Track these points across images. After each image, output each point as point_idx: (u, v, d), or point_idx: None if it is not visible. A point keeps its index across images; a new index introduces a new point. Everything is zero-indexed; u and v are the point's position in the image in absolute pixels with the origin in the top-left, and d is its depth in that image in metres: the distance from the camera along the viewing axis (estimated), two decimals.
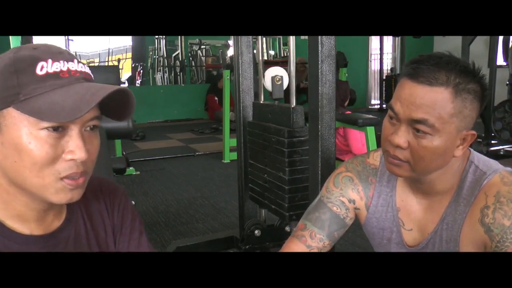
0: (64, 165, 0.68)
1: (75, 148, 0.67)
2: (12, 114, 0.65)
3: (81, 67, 0.70)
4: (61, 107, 0.64)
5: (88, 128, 0.70)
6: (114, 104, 0.71)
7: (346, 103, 3.60)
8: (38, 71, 0.65)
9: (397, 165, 0.89)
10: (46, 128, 0.65)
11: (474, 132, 0.87)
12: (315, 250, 1.02)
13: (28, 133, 0.65)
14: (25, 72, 0.65)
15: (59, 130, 0.67)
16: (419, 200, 0.99)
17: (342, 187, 1.05)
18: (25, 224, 0.73)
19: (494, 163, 0.93)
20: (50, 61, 0.66)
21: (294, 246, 1.03)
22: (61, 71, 0.67)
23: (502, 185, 0.88)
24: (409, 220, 1.00)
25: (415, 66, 0.84)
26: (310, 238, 1.02)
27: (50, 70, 0.66)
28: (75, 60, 0.69)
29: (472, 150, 0.96)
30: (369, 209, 1.04)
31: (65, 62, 0.68)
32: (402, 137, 0.85)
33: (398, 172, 0.91)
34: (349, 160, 1.10)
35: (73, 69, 0.68)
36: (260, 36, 2.43)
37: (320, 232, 1.02)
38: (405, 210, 1.01)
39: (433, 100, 0.82)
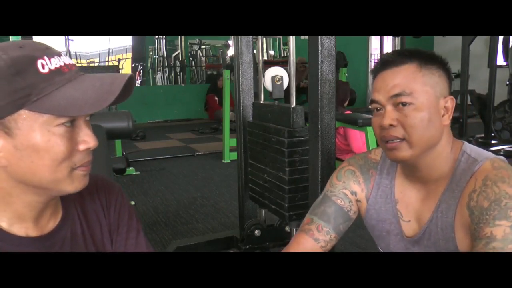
0: (79, 156, 0.70)
1: (87, 138, 0.70)
2: (23, 116, 0.65)
3: (69, 60, 0.71)
4: (83, 101, 0.66)
5: (88, 118, 0.72)
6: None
7: (345, 104, 3.60)
8: (41, 69, 0.65)
9: (396, 147, 0.93)
10: (63, 123, 0.67)
11: (451, 96, 0.96)
12: (322, 244, 1.05)
13: (45, 131, 0.66)
14: (28, 72, 0.64)
15: (73, 124, 0.68)
16: (417, 190, 1.01)
17: (344, 180, 1.10)
18: (22, 225, 0.72)
19: (486, 152, 0.96)
20: (46, 58, 0.66)
21: (302, 240, 1.05)
22: (61, 66, 0.68)
23: (491, 170, 0.90)
24: (407, 212, 1.03)
25: (381, 60, 0.98)
26: (317, 231, 1.05)
27: (52, 67, 0.66)
28: (62, 54, 0.70)
29: (465, 142, 0.99)
30: (369, 201, 1.08)
31: (58, 57, 0.68)
32: (389, 116, 0.93)
33: (399, 154, 0.94)
34: (351, 156, 1.15)
35: (67, 63, 0.69)
36: (260, 36, 2.43)
37: (326, 225, 1.06)
38: (403, 202, 1.04)
39: (403, 75, 0.93)
